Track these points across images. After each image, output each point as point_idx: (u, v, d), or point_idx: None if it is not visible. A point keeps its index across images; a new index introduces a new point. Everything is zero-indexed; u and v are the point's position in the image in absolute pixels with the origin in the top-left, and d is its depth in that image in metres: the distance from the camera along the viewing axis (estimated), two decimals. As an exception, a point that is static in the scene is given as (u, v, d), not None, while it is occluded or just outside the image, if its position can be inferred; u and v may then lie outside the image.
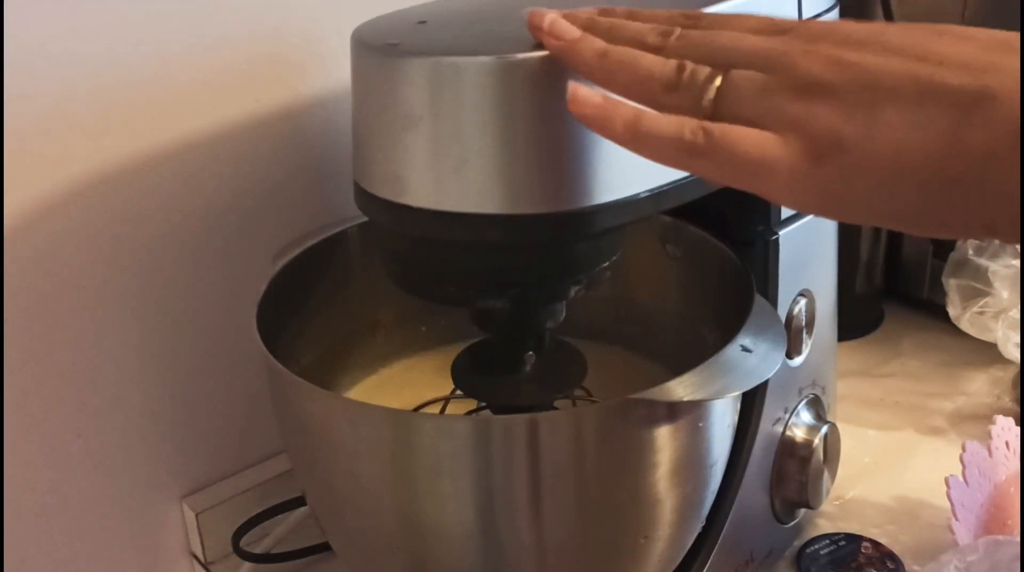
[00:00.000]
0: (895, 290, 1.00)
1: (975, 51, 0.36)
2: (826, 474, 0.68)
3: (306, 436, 0.56)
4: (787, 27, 0.40)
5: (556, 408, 0.61)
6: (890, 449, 0.82)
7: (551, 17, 0.45)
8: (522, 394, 0.58)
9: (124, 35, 0.64)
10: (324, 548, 0.72)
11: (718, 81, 0.38)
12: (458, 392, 0.63)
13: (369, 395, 0.69)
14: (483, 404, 0.63)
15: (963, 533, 0.59)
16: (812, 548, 0.71)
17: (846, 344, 0.92)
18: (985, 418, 0.71)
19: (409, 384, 0.71)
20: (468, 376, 0.59)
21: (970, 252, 0.80)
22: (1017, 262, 0.78)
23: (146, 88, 0.66)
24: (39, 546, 0.71)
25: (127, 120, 0.66)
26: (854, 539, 0.71)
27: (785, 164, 0.36)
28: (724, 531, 0.63)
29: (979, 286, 0.80)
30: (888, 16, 0.82)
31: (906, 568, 0.69)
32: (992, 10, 0.86)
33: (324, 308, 0.67)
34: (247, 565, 0.72)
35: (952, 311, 0.82)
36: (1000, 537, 0.57)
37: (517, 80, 0.47)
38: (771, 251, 0.62)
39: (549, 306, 0.56)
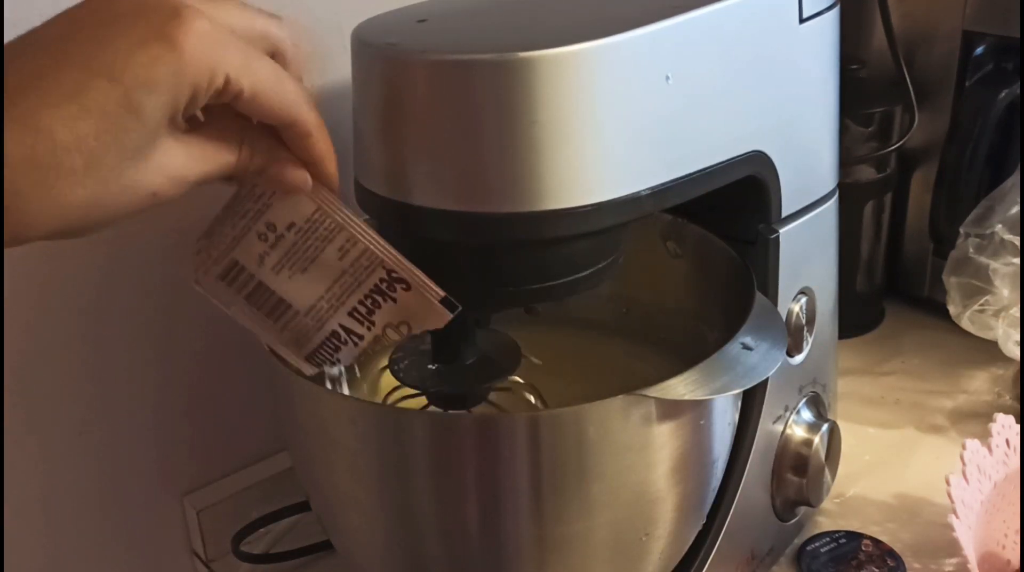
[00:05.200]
0: (896, 288, 1.00)
1: None
2: (826, 472, 0.68)
3: (307, 434, 0.56)
4: None
5: (490, 401, 0.60)
6: (890, 447, 0.82)
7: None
8: (456, 383, 0.58)
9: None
10: (324, 547, 0.72)
11: None
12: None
13: (370, 393, 0.70)
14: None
15: (963, 531, 0.59)
16: (813, 546, 0.71)
17: (847, 342, 0.92)
18: (985, 416, 0.71)
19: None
20: (407, 367, 0.59)
21: (971, 250, 0.80)
22: (1017, 260, 0.78)
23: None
24: (40, 543, 0.71)
25: (128, 118, 0.66)
26: (855, 537, 0.71)
27: None
28: (725, 529, 0.63)
29: (980, 284, 0.80)
30: (885, 15, 0.82)
31: (906, 565, 0.69)
32: (992, 10, 0.86)
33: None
34: (247, 564, 0.72)
35: (953, 309, 0.82)
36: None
37: (517, 78, 0.47)
38: (772, 249, 0.62)
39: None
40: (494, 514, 0.53)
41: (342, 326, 0.52)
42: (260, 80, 0.42)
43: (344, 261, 0.51)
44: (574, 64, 0.47)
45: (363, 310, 0.52)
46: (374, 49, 0.51)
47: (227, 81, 0.41)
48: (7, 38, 0.61)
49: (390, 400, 0.62)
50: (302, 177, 0.47)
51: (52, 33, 0.40)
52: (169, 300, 0.71)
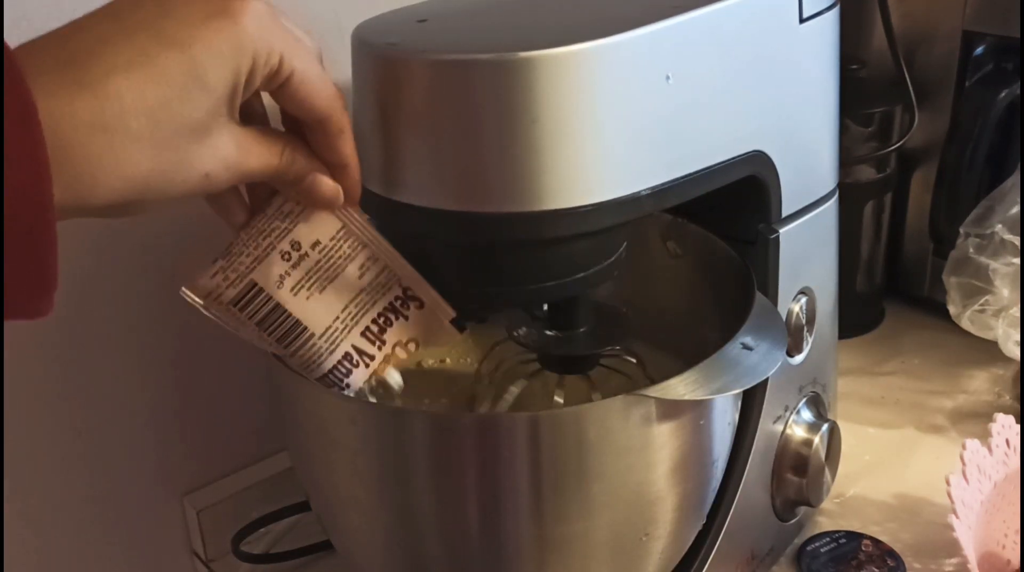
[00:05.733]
0: (895, 288, 1.00)
1: None
2: (826, 472, 0.68)
3: (306, 434, 0.56)
4: None
5: (602, 363, 0.63)
6: (890, 447, 0.82)
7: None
8: (574, 347, 0.60)
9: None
10: (324, 547, 0.72)
11: None
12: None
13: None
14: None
15: (963, 531, 0.59)
16: (813, 546, 0.71)
17: (847, 342, 0.92)
18: (985, 416, 0.71)
19: (410, 381, 0.71)
20: (527, 333, 0.61)
21: (971, 250, 0.80)
22: (1017, 260, 0.78)
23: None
24: (39, 544, 0.71)
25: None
26: (855, 537, 0.71)
27: None
28: (725, 529, 0.63)
29: (979, 284, 0.80)
30: (885, 15, 0.82)
31: (906, 565, 0.69)
32: (992, 10, 0.86)
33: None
34: (247, 564, 0.72)
35: (952, 309, 0.82)
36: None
37: (517, 78, 0.47)
38: (772, 249, 0.62)
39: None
40: (494, 514, 0.53)
41: (355, 347, 0.52)
42: (307, 67, 0.44)
43: (363, 280, 0.51)
44: (574, 64, 0.47)
45: (375, 329, 0.52)
46: (374, 49, 0.51)
47: (281, 61, 0.42)
48: (7, 36, 0.61)
49: (501, 369, 0.64)
50: (335, 190, 0.48)
51: (116, 5, 0.40)
52: (167, 298, 0.71)
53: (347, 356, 0.52)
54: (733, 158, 0.56)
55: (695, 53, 0.52)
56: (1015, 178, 0.81)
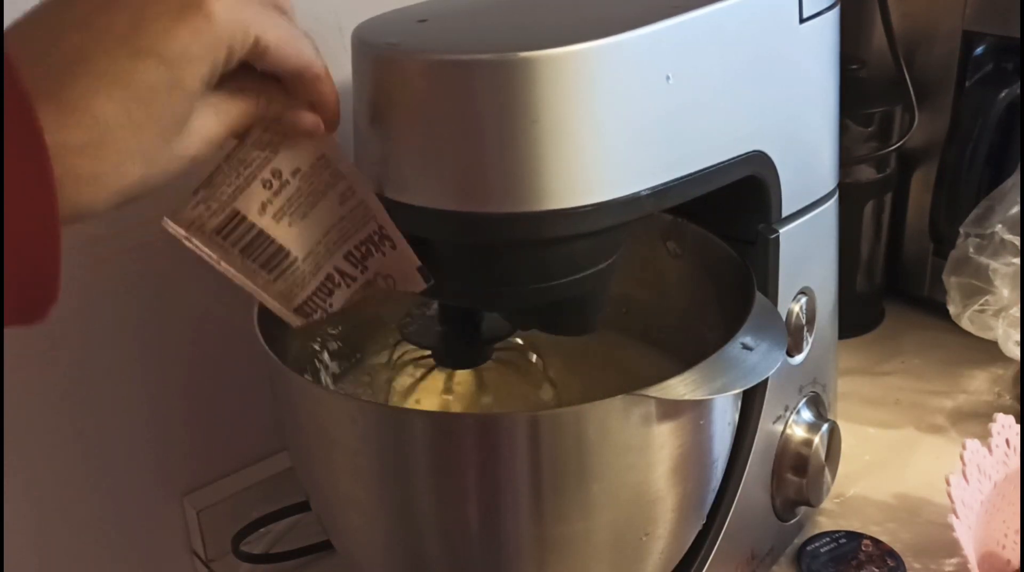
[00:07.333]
0: (896, 288, 1.00)
1: None
2: (826, 472, 0.68)
3: (306, 434, 0.56)
4: None
5: (495, 359, 0.62)
6: (890, 447, 0.82)
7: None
8: (464, 342, 0.60)
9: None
10: (324, 547, 0.72)
11: None
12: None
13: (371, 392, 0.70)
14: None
15: (963, 531, 0.59)
16: (813, 546, 0.71)
17: (847, 342, 0.92)
18: (985, 416, 0.71)
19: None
20: (417, 329, 0.61)
21: (971, 250, 0.80)
22: (1017, 260, 0.78)
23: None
24: (40, 544, 0.71)
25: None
26: (855, 537, 0.72)
27: None
28: (725, 529, 0.63)
29: (980, 284, 0.80)
30: (885, 15, 0.82)
31: (906, 565, 0.69)
32: (992, 10, 0.86)
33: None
34: (247, 564, 0.72)
35: (953, 309, 0.82)
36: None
37: (517, 78, 0.47)
38: (772, 249, 0.62)
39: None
40: (494, 514, 0.53)
41: (337, 269, 0.53)
42: (281, 35, 0.44)
43: (344, 207, 0.51)
44: (574, 64, 0.47)
45: (358, 255, 0.53)
46: (374, 49, 0.51)
47: (256, 40, 0.43)
48: (7, 35, 0.61)
49: (399, 362, 0.63)
50: (315, 119, 0.48)
51: (83, 11, 0.40)
52: (168, 298, 0.71)
53: (329, 277, 0.53)
54: (733, 158, 0.56)
55: (695, 53, 0.52)
56: (1015, 178, 0.81)
